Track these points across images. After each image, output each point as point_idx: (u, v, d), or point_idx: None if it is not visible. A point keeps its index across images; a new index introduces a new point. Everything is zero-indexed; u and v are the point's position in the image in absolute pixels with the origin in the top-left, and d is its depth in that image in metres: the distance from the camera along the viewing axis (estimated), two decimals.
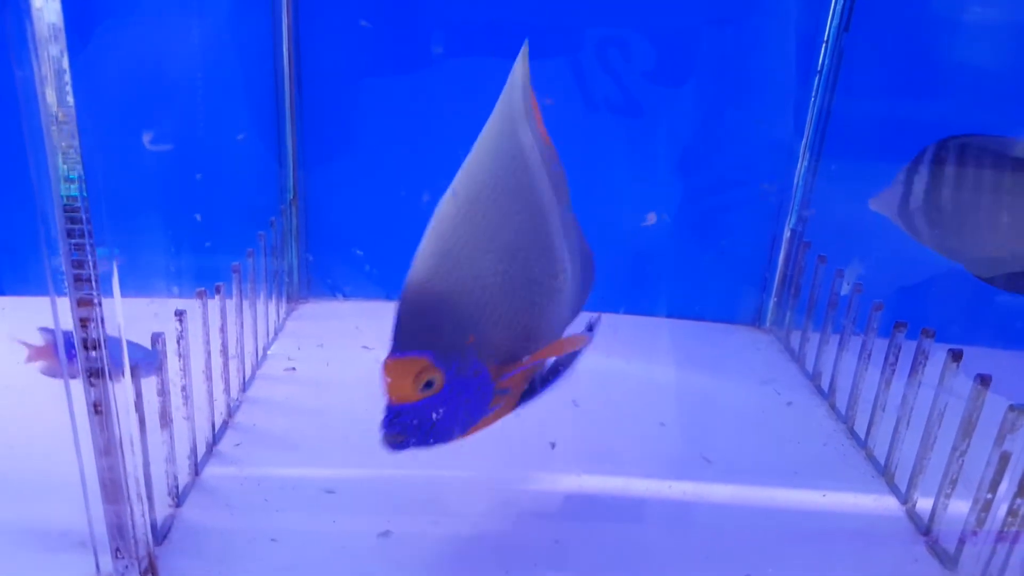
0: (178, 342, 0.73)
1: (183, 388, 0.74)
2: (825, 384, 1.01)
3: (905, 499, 0.80)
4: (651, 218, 1.16)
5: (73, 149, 0.51)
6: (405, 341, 0.58)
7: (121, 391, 0.58)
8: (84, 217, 0.52)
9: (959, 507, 0.71)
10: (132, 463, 0.60)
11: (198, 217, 1.17)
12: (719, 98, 1.13)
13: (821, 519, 0.78)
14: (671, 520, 0.78)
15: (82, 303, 0.54)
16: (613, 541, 0.73)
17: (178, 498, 0.73)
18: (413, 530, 0.72)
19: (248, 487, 0.77)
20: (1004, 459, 0.66)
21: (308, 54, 1.12)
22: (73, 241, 0.52)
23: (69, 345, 0.56)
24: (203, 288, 0.80)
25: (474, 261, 0.59)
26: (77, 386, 0.56)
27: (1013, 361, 0.91)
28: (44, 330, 0.79)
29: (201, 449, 0.80)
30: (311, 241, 1.22)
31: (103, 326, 0.55)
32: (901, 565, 0.72)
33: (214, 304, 0.82)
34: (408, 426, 0.57)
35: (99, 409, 0.56)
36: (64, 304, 0.55)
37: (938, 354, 0.78)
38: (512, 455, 0.83)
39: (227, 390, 0.87)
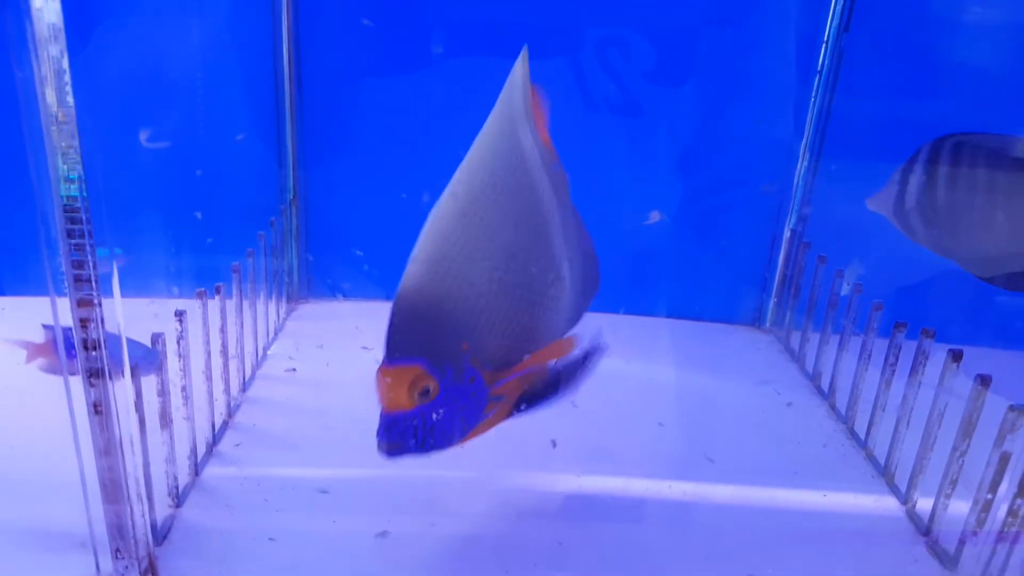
0: (178, 342, 0.73)
1: (183, 388, 0.74)
2: (825, 384, 1.01)
3: (905, 499, 0.80)
4: (655, 216, 1.16)
5: (73, 149, 0.51)
6: (399, 348, 0.57)
7: (121, 391, 0.58)
8: (84, 217, 0.52)
9: (959, 507, 0.71)
10: (132, 463, 0.60)
11: (199, 215, 1.17)
12: (719, 98, 1.13)
13: (821, 519, 0.78)
14: (671, 520, 0.78)
15: (82, 303, 0.54)
16: (613, 541, 0.73)
17: (178, 498, 0.73)
18: (413, 530, 0.72)
19: (248, 487, 0.77)
20: (1004, 459, 0.66)
21: (308, 54, 1.12)
22: (73, 241, 0.52)
23: (69, 343, 0.56)
24: (203, 288, 0.80)
25: (470, 266, 0.58)
26: (77, 386, 0.56)
27: (1013, 361, 0.91)
28: (46, 327, 0.79)
29: (201, 449, 0.80)
30: (311, 241, 1.22)
31: (103, 326, 0.55)
32: (901, 565, 0.72)
33: (214, 304, 0.82)
34: (404, 434, 0.57)
35: (99, 409, 0.57)
36: (64, 304, 0.55)
37: (938, 354, 0.78)
38: (512, 455, 0.83)
39: (227, 390, 0.87)
